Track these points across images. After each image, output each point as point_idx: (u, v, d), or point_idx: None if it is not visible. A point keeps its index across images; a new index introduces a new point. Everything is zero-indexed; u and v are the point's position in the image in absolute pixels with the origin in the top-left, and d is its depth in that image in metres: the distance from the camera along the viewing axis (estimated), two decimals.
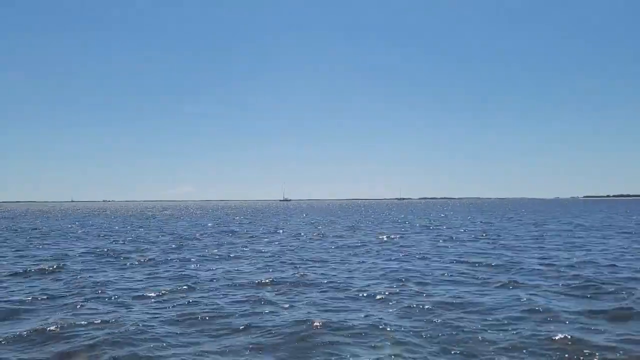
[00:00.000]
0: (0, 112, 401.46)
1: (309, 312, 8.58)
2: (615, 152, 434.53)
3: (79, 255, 17.70)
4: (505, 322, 7.87)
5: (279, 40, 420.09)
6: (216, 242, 22.66)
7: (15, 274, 13.23)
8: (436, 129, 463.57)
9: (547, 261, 14.92)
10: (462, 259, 15.58)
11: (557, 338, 6.91)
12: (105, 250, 19.26)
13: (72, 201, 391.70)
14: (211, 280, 12.11)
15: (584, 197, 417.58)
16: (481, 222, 40.43)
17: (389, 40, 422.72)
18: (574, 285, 10.86)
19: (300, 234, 28.04)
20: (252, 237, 26.02)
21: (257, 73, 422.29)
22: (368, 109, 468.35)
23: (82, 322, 7.91)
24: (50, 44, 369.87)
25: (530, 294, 9.93)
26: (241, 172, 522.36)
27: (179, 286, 11.15)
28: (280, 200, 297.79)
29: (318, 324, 7.69)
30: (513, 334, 7.24)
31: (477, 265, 14.30)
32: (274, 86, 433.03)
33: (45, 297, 10.16)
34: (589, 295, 9.90)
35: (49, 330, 7.55)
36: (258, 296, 10.00)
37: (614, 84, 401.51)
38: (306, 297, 9.96)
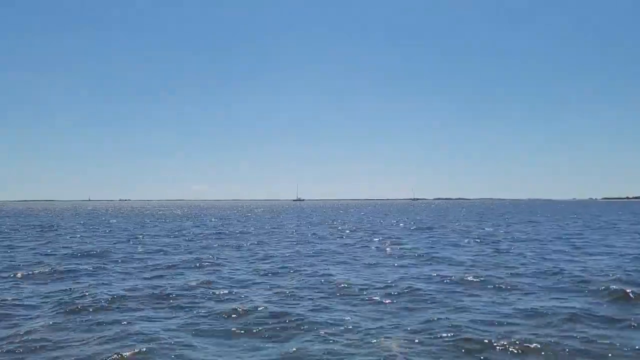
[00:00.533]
0: (15, 113, 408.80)
1: None
2: (635, 152, 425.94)
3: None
4: None
5: (279, 40, 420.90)
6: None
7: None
8: (450, 129, 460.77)
9: None
10: None
11: None
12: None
13: (89, 200, 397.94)
14: None
15: (603, 198, 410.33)
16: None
17: (396, 40, 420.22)
18: None
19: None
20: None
21: (257, 73, 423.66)
22: (382, 109, 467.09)
23: None
24: (51, 44, 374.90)
25: None
26: (250, 171, 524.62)
27: None
28: (294, 200, 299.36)
29: None
30: None
31: None
32: (275, 86, 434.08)
33: None
34: None
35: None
36: None
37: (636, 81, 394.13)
38: None
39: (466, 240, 24.22)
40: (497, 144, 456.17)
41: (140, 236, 28.19)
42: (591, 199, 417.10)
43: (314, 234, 29.81)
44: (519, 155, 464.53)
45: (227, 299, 10.51)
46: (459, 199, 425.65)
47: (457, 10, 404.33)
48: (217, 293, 10.96)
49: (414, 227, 36.64)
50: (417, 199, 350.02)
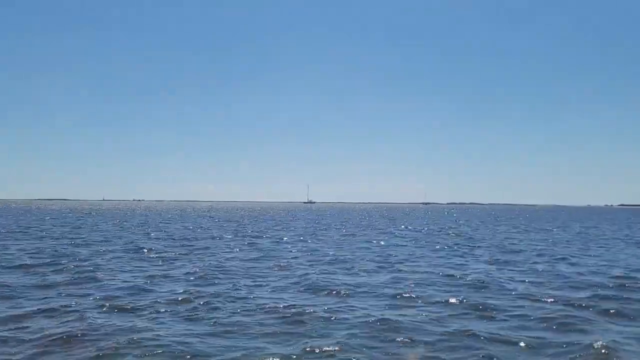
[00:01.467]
0: (14, 113, 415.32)
1: None
2: None
3: None
4: None
5: (279, 40, 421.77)
6: None
7: None
8: (454, 129, 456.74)
9: None
10: None
11: None
12: None
13: (104, 200, 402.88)
14: None
15: (620, 205, 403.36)
16: None
17: (396, 40, 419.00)
18: None
19: None
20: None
21: (257, 73, 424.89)
22: (384, 109, 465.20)
23: None
24: (50, 44, 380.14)
25: None
26: (250, 171, 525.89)
27: None
28: (304, 202, 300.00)
29: None
30: None
31: None
32: (275, 86, 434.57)
33: None
34: None
35: None
36: None
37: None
38: None
39: None
40: (512, 149, 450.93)
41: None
42: (607, 205, 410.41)
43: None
44: (528, 156, 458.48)
45: None
46: (472, 203, 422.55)
47: (457, 10, 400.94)
48: None
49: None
50: (429, 203, 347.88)
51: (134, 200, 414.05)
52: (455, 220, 61.30)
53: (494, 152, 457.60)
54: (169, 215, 67.65)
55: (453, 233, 34.91)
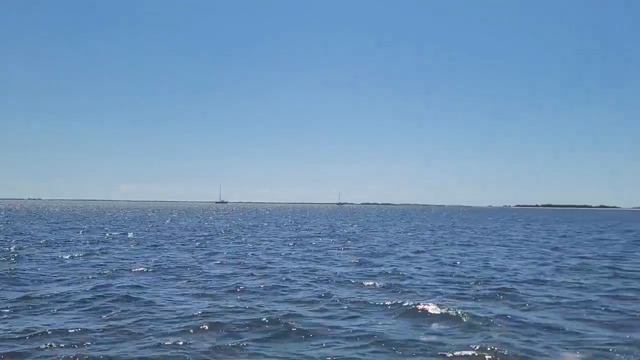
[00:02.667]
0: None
1: None
2: (550, 161, 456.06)
3: None
4: None
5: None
6: None
7: None
8: (374, 135, 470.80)
9: None
10: None
11: None
12: None
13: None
14: None
15: (516, 205, 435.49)
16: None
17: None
18: None
19: None
20: None
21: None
22: (307, 110, 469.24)
23: None
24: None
25: None
26: (175, 171, 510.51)
27: None
28: (217, 202, 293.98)
29: None
30: None
31: None
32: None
33: None
34: None
35: None
36: None
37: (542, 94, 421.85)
38: None
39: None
40: (416, 147, 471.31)
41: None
42: (505, 206, 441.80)
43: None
44: (440, 160, 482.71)
45: None
46: (384, 204, 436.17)
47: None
48: None
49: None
50: (343, 204, 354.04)
51: (29, 199, 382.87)
52: (348, 220, 61.78)
53: (407, 154, 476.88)
54: None
55: (339, 233, 34.60)
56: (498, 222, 60.43)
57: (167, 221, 50.78)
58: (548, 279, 14.20)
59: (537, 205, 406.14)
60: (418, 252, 21.55)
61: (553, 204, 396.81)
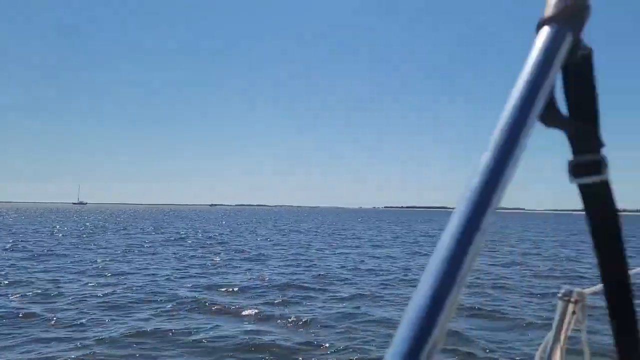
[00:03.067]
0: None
1: None
2: (413, 166, 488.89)
3: None
4: None
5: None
6: None
7: None
8: (250, 137, 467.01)
9: None
10: None
11: None
12: None
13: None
14: None
15: (385, 207, 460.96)
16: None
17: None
18: None
19: None
20: None
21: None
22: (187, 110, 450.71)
23: None
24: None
25: None
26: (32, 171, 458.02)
27: None
28: (74, 204, 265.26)
29: None
30: None
31: None
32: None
33: None
34: None
35: None
36: None
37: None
38: None
39: None
40: (300, 152, 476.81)
41: None
42: (375, 207, 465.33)
43: None
44: (319, 162, 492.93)
45: None
46: (259, 205, 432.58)
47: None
48: None
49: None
50: (216, 205, 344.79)
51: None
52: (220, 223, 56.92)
53: (290, 157, 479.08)
54: None
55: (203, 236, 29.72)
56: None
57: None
58: None
59: (402, 207, 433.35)
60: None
61: (419, 205, 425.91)
